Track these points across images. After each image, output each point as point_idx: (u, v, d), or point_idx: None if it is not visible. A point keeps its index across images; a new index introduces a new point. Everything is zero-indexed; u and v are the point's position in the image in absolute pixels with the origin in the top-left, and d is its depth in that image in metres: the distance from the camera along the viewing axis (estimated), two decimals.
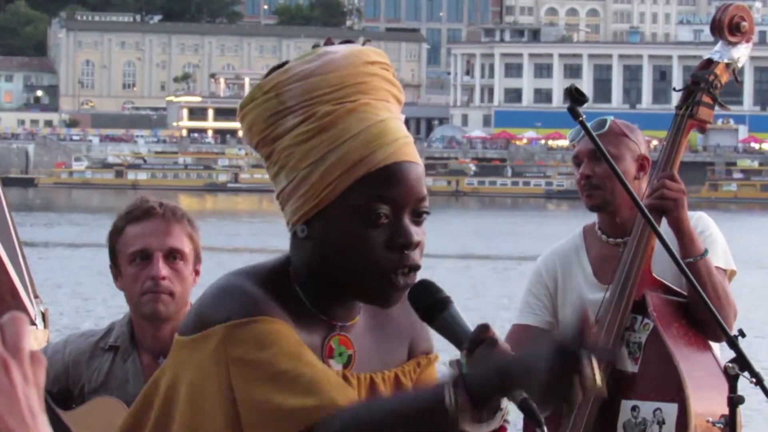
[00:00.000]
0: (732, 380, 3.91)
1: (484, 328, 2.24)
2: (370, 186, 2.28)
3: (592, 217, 4.59)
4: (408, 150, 2.33)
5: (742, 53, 4.40)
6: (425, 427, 2.23)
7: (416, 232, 2.29)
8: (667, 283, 4.34)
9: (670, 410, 4.16)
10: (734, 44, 4.40)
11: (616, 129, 4.37)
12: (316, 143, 2.30)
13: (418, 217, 2.31)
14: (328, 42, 2.42)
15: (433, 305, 2.30)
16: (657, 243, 4.27)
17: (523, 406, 2.20)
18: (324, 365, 2.31)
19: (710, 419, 4.09)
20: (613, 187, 4.24)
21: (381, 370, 2.44)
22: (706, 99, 4.34)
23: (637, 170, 4.37)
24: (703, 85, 4.35)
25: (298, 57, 2.38)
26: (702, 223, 4.43)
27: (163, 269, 3.65)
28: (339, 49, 2.36)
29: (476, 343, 2.23)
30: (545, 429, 2.24)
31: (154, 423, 2.33)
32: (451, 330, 2.28)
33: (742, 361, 3.88)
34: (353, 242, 2.29)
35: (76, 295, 29.92)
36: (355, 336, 2.42)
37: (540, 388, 2.10)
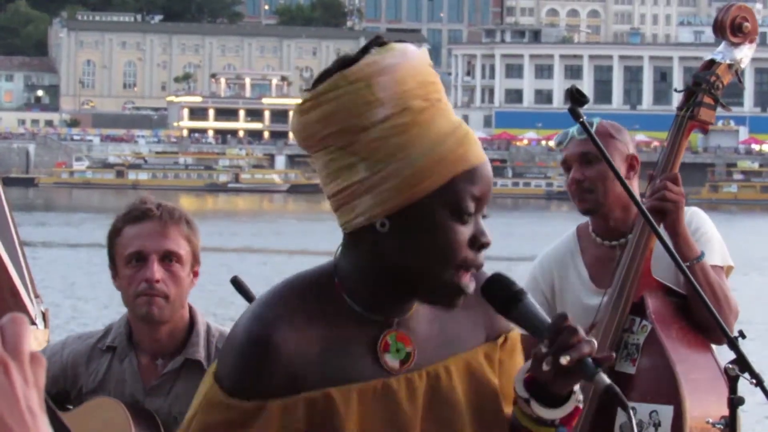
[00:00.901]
0: (732, 381, 3.93)
1: (562, 318, 2.30)
2: (465, 183, 2.30)
3: (573, 217, 4.70)
4: (483, 153, 2.39)
5: (744, 54, 4.42)
6: None
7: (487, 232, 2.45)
8: (667, 284, 4.36)
9: (665, 412, 4.18)
10: (737, 45, 4.41)
11: (603, 131, 4.39)
12: (411, 137, 2.30)
13: (485, 216, 2.43)
14: (379, 38, 2.39)
15: (509, 298, 2.33)
16: (656, 245, 4.31)
17: (608, 392, 2.25)
18: None
19: (710, 420, 4.11)
20: (604, 189, 4.28)
21: (446, 357, 2.44)
22: (707, 100, 4.36)
23: (627, 170, 4.38)
24: (705, 86, 4.38)
25: (378, 51, 2.34)
26: (696, 219, 4.43)
27: (158, 272, 3.68)
28: (412, 50, 2.36)
29: (557, 332, 2.27)
30: (631, 413, 2.32)
31: None
32: (530, 321, 2.32)
33: (742, 363, 3.91)
34: (444, 236, 2.29)
35: (74, 296, 29.74)
36: (415, 327, 2.42)
37: None
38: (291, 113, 2.62)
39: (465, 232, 2.32)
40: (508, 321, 2.40)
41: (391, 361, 2.38)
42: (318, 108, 2.32)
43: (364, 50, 2.38)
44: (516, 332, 2.53)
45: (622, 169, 4.39)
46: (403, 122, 2.32)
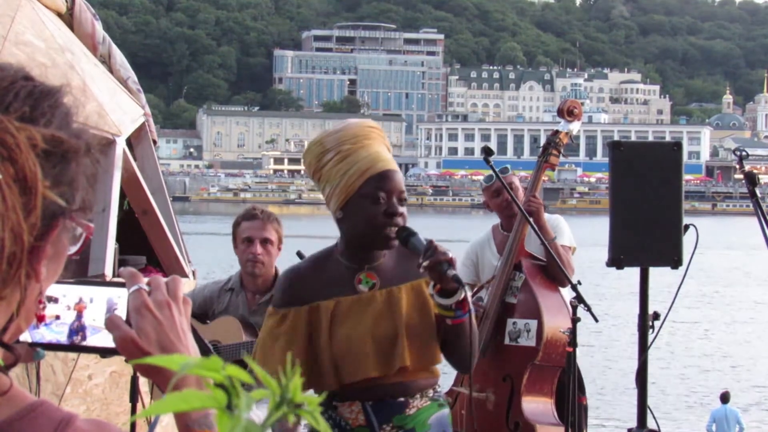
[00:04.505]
0: (574, 308, 4.44)
1: (429, 242, 2.70)
2: (374, 182, 2.76)
3: (495, 219, 5.14)
4: (393, 165, 2.79)
5: (575, 126, 4.99)
6: None
7: (400, 208, 2.77)
8: (533, 253, 4.87)
9: (533, 324, 4.76)
10: (570, 121, 4.97)
11: (510, 175, 4.98)
12: (344, 164, 2.78)
13: (401, 201, 2.78)
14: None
15: (405, 237, 2.76)
16: (528, 230, 4.80)
17: (456, 278, 2.73)
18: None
19: (561, 329, 4.61)
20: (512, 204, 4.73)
21: (399, 284, 2.87)
22: (554, 152, 4.93)
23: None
24: (552, 144, 4.93)
25: (332, 127, 2.92)
26: (558, 221, 4.98)
27: (259, 249, 4.22)
28: (354, 120, 2.92)
29: (425, 250, 2.68)
30: (467, 288, 2.77)
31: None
32: (415, 248, 2.74)
33: (579, 298, 4.46)
34: (366, 214, 2.78)
35: (209, 260, 31.36)
36: (381, 269, 2.85)
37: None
38: None
39: (379, 209, 2.79)
40: (407, 249, 2.78)
41: (362, 288, 2.81)
42: (305, 161, 2.88)
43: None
44: None
45: (521, 194, 4.88)
46: (338, 157, 2.78)
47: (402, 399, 2.79)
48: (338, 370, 2.74)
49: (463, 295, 2.68)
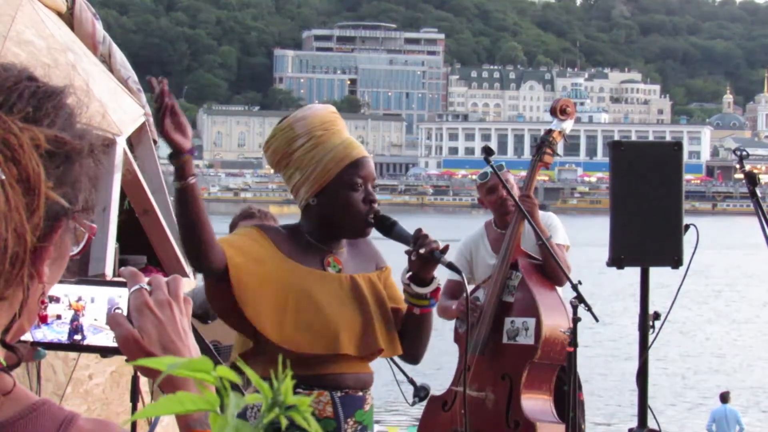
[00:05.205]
0: (574, 309, 4.46)
1: (418, 230, 2.75)
2: (352, 169, 2.79)
3: (489, 216, 5.23)
4: (365, 152, 2.85)
5: (567, 125, 5.06)
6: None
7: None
8: (529, 252, 4.93)
9: (531, 322, 4.79)
10: (563, 120, 5.04)
11: (505, 170, 5.00)
12: (318, 150, 2.79)
13: (373, 187, 2.83)
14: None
15: (389, 225, 2.81)
16: (524, 229, 4.85)
17: (450, 265, 2.78)
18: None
19: (561, 329, 4.64)
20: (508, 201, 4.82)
21: (358, 273, 2.91)
22: (548, 151, 5.00)
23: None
24: (546, 143, 5.01)
25: (296, 111, 2.92)
26: (552, 219, 5.05)
27: None
28: (317, 105, 2.93)
29: (416, 239, 2.74)
30: (464, 275, 2.82)
31: None
32: (401, 236, 2.79)
33: (579, 298, 4.49)
34: (345, 200, 2.81)
35: None
36: (342, 257, 2.90)
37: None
38: None
39: (358, 196, 2.82)
40: (390, 238, 2.82)
41: (331, 270, 2.86)
42: (269, 149, 2.86)
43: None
44: (389, 265, 2.95)
45: (516, 191, 4.92)
46: (312, 143, 2.79)
47: (361, 393, 2.83)
48: (318, 338, 2.77)
49: (436, 286, 2.77)
